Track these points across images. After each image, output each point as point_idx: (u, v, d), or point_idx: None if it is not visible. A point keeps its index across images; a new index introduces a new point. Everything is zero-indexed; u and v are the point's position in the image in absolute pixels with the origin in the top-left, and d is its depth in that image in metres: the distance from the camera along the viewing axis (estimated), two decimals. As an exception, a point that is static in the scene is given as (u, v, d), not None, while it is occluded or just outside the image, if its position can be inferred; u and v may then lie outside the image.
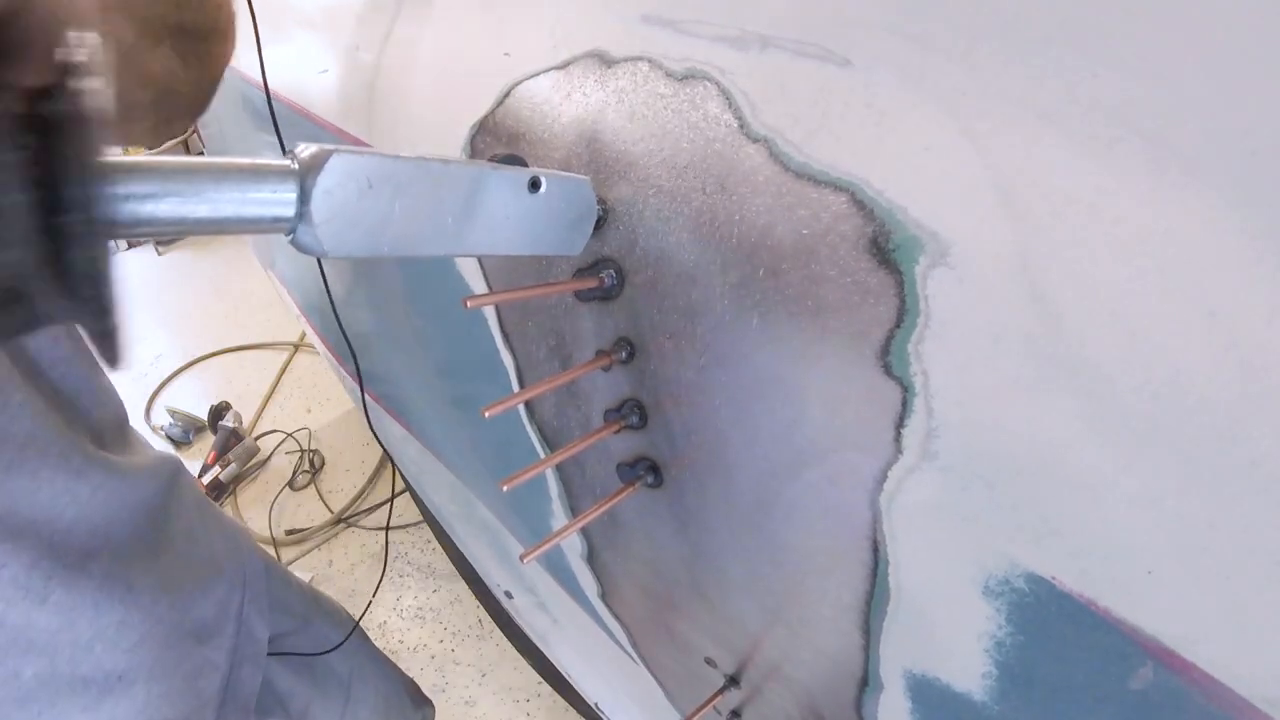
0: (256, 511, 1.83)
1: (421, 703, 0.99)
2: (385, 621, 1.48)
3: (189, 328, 2.77)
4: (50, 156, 0.16)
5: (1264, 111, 0.21)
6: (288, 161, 0.22)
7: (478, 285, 0.42)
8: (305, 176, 0.22)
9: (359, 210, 0.23)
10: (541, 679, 1.27)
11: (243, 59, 0.74)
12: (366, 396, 0.82)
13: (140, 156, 0.19)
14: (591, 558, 0.47)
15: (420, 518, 1.64)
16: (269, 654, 0.64)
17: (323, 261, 0.68)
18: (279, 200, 0.21)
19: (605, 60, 0.35)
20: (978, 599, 0.25)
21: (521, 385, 0.43)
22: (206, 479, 1.88)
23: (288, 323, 2.41)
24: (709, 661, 0.42)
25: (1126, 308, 0.21)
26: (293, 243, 0.23)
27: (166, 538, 0.49)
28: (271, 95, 0.63)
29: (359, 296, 0.64)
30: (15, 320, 0.18)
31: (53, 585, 0.39)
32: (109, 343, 0.18)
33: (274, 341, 2.49)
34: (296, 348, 2.39)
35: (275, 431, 2.06)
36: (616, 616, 0.50)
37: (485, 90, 0.40)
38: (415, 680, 0.99)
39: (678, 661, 0.46)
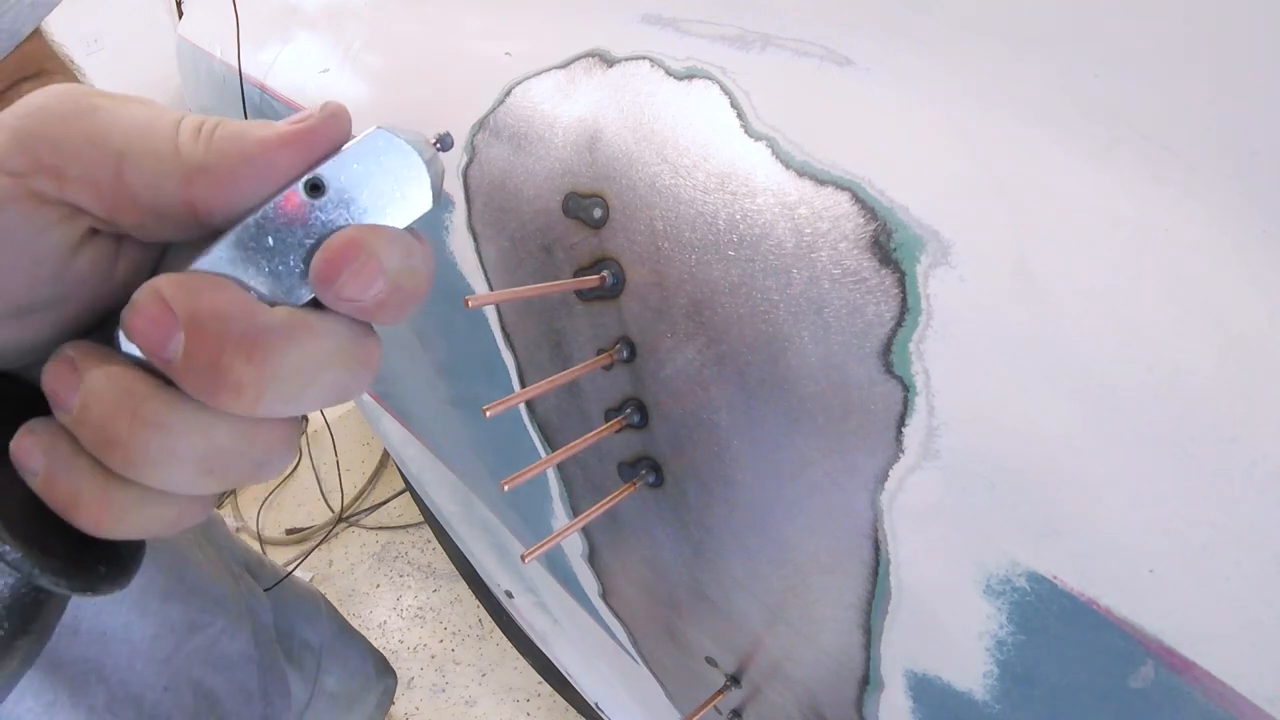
0: (256, 510, 1.83)
1: (385, 673, 1.08)
2: (385, 621, 1.48)
3: (189, 327, 2.77)
4: None
5: (1264, 111, 0.21)
6: None
7: (478, 284, 0.42)
8: None
9: None
10: (541, 679, 1.27)
11: (244, 57, 0.74)
12: (367, 395, 0.82)
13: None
14: (592, 557, 0.47)
15: (420, 518, 1.64)
16: None
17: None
18: None
19: (606, 59, 0.35)
20: (979, 598, 0.25)
21: (522, 384, 0.43)
22: (206, 479, 1.88)
23: (287, 322, 2.40)
24: (710, 661, 0.42)
25: (1127, 307, 0.21)
26: None
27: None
28: (273, 96, 0.63)
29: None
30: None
31: None
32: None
33: (274, 341, 2.49)
34: (296, 347, 2.39)
35: (275, 431, 2.06)
36: (617, 616, 0.50)
37: (485, 89, 0.40)
38: (401, 668, 1.06)
39: (678, 661, 0.46)
